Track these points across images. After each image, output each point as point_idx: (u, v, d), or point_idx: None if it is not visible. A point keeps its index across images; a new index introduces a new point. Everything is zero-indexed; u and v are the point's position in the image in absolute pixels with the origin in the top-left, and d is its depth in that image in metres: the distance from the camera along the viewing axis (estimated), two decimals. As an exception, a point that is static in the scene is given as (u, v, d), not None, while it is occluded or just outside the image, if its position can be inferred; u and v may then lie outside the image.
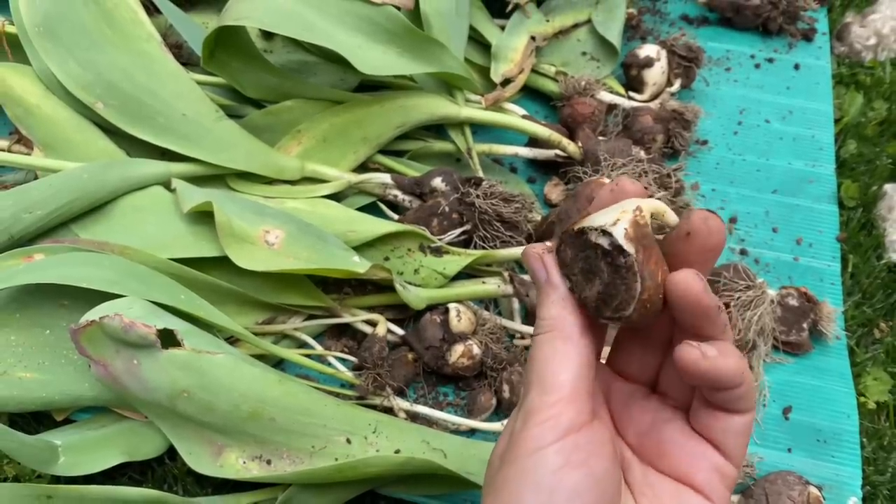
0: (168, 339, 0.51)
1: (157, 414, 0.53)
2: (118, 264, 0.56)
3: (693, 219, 0.29)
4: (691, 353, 0.28)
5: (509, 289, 0.62)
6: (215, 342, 0.55)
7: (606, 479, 0.29)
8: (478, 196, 0.64)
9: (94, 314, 0.50)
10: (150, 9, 0.72)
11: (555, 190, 0.73)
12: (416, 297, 0.60)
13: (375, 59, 0.65)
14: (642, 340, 0.34)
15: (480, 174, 0.71)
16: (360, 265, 0.57)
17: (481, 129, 0.77)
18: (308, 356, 0.60)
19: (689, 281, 0.28)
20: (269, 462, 0.53)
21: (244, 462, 0.53)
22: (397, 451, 0.53)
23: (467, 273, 0.65)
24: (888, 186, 0.74)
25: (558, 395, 0.29)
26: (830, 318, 0.64)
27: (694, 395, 0.32)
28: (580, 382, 0.30)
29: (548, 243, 0.33)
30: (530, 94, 0.80)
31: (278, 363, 0.61)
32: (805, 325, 0.64)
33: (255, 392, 0.52)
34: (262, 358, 0.59)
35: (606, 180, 0.63)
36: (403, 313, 0.63)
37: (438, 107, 0.70)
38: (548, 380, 0.30)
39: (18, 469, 0.58)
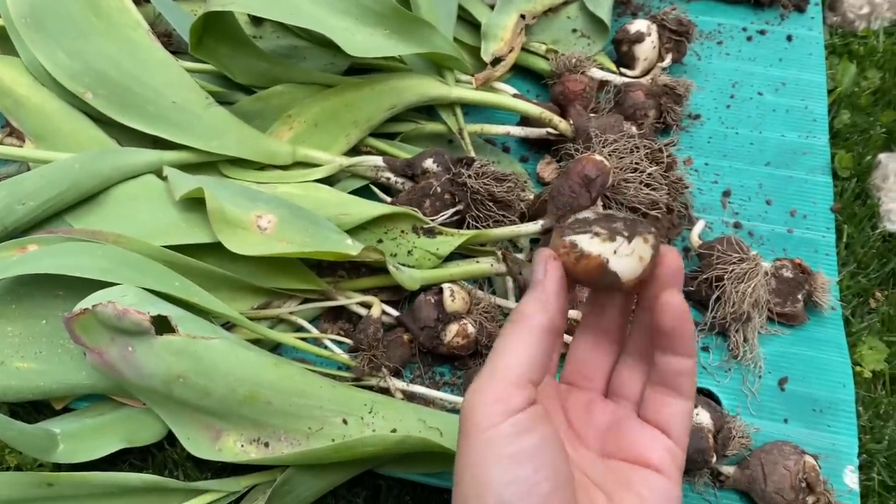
0: (163, 325, 0.51)
1: (154, 400, 0.53)
2: (112, 253, 0.56)
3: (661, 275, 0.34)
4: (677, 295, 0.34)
5: (502, 267, 0.62)
6: (210, 328, 0.55)
7: (555, 440, 0.32)
8: (469, 176, 0.64)
9: (87, 302, 0.50)
10: (138, -3, 0.72)
11: (547, 168, 0.73)
12: (409, 278, 0.60)
13: (364, 41, 0.64)
14: (595, 349, 0.39)
15: (472, 154, 0.71)
16: (352, 247, 0.58)
17: (473, 110, 0.77)
18: (304, 340, 0.60)
19: (681, 310, 0.34)
20: (266, 445, 0.53)
21: (242, 445, 0.53)
22: (394, 431, 0.53)
23: (461, 253, 0.65)
24: (882, 156, 0.74)
25: (508, 380, 0.32)
26: (825, 289, 0.64)
27: (642, 390, 0.38)
28: (529, 371, 0.33)
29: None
30: (521, 72, 0.80)
31: (275, 348, 0.61)
32: (800, 297, 0.64)
33: (250, 375, 0.52)
34: (258, 343, 0.60)
35: (598, 156, 0.63)
36: (398, 295, 0.63)
37: (429, 88, 0.70)
38: (500, 365, 0.33)
39: (20, 458, 0.58)
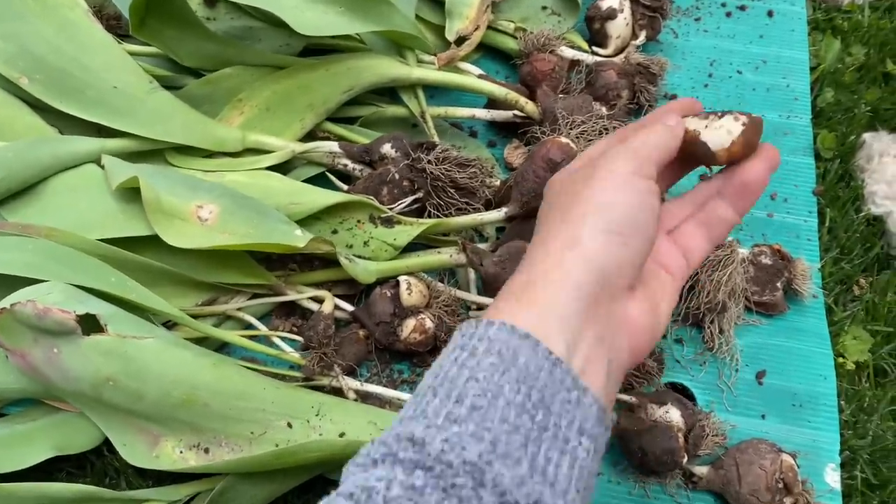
0: (91, 324, 0.48)
1: (86, 404, 0.50)
2: (42, 248, 0.53)
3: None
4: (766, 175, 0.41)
5: (462, 258, 0.58)
6: (147, 327, 0.52)
7: (659, 214, 0.38)
8: (429, 162, 0.60)
9: (6, 301, 0.46)
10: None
11: (515, 153, 0.70)
12: (364, 270, 0.57)
13: (315, 19, 0.61)
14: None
15: (436, 139, 0.67)
16: (300, 239, 0.54)
17: (440, 92, 0.73)
18: (253, 337, 0.57)
19: (763, 177, 0.41)
20: (206, 451, 0.50)
21: (181, 451, 0.50)
22: (342, 434, 0.50)
23: (423, 244, 0.62)
24: (867, 135, 0.70)
25: (643, 155, 0.38)
26: (806, 276, 0.61)
27: (681, 221, 0.43)
28: (660, 156, 0.39)
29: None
30: (489, 52, 0.76)
31: (222, 347, 0.58)
32: (779, 285, 0.61)
33: (186, 377, 0.49)
34: (203, 342, 0.56)
35: (564, 139, 0.59)
36: (353, 289, 0.60)
37: (388, 68, 0.67)
38: (637, 141, 0.39)
39: (-51, 468, 0.55)
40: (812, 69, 0.76)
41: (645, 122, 0.42)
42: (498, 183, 0.64)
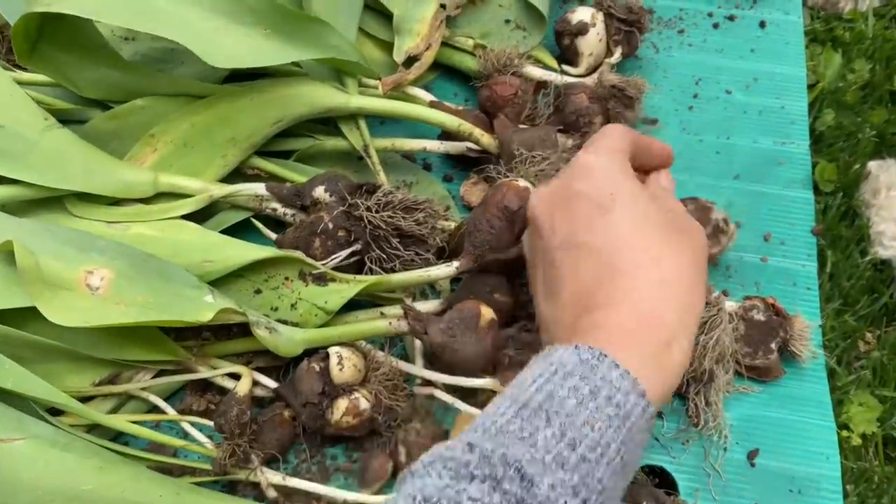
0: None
1: (-56, 521, 0.42)
2: None
3: None
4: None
5: (403, 325, 0.50)
6: (22, 422, 0.43)
7: None
8: (368, 208, 0.52)
9: None
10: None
11: (473, 189, 0.61)
12: (288, 341, 0.49)
13: (231, 46, 0.52)
14: None
15: (382, 176, 0.59)
16: (207, 309, 0.46)
17: (390, 120, 0.65)
18: (161, 421, 0.49)
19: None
20: (92, 573, 0.42)
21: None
22: (252, 554, 0.42)
23: (367, 301, 0.54)
24: (872, 165, 0.62)
25: (616, 141, 0.45)
26: (804, 336, 0.53)
27: None
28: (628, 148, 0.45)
29: None
30: (448, 73, 0.68)
31: (121, 434, 0.49)
32: (773, 346, 0.53)
33: (65, 487, 0.41)
34: (99, 428, 0.48)
35: (522, 183, 0.51)
36: (279, 360, 0.52)
37: (322, 97, 0.58)
38: (615, 135, 0.46)
39: None
40: (810, 87, 0.67)
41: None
42: (453, 226, 0.56)
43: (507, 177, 0.54)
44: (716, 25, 0.71)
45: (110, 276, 0.47)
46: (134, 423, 0.48)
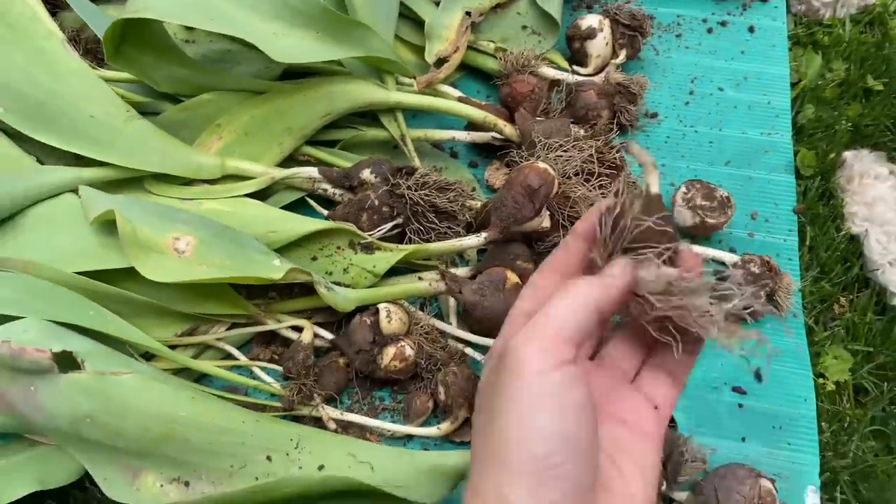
0: (66, 362, 0.48)
1: (64, 440, 0.50)
2: (19, 282, 0.53)
3: None
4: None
5: (442, 286, 0.58)
6: (125, 361, 0.52)
7: (591, 400, 0.33)
8: (409, 187, 0.60)
9: (-20, 341, 0.46)
10: (59, 3, 0.68)
11: (496, 174, 0.70)
12: (343, 298, 0.57)
13: (291, 46, 0.61)
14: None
15: (416, 162, 0.67)
16: (278, 270, 0.54)
17: (421, 113, 0.73)
18: (234, 367, 0.57)
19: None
20: (186, 484, 0.50)
21: (162, 485, 0.50)
22: (321, 467, 0.50)
23: (405, 268, 0.62)
24: (848, 154, 0.70)
25: (560, 332, 0.33)
26: (789, 290, 0.61)
27: (639, 367, 0.39)
28: (581, 330, 0.33)
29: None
30: (471, 73, 0.76)
31: (203, 376, 0.58)
32: (762, 293, 0.61)
33: (165, 412, 0.49)
34: (183, 372, 0.56)
35: (542, 164, 0.59)
36: (334, 316, 0.60)
37: (366, 93, 0.66)
38: (555, 314, 0.33)
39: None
40: (793, 85, 0.76)
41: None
42: (479, 205, 0.65)
43: (528, 160, 0.62)
44: (709, 30, 0.80)
45: (194, 242, 0.55)
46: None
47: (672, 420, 0.58)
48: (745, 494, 0.51)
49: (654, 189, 0.36)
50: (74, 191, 0.61)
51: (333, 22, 0.63)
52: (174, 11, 0.57)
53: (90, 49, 0.71)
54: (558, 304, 0.34)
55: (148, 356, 0.56)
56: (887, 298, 0.65)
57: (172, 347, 0.57)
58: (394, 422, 0.57)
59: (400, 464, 0.51)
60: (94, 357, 0.49)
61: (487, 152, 0.72)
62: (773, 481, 0.52)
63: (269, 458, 0.50)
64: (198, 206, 0.61)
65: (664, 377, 0.38)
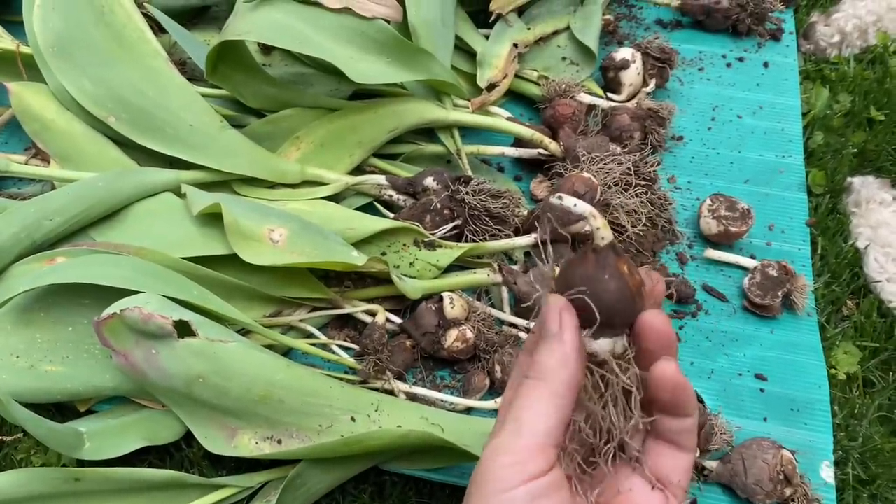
0: (183, 330, 0.55)
1: (174, 400, 0.57)
2: (134, 264, 0.61)
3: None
4: (672, 365, 0.33)
5: (498, 277, 0.66)
6: (228, 333, 0.59)
7: None
8: (467, 193, 0.69)
9: (114, 308, 0.54)
10: (155, 28, 0.77)
11: (540, 186, 0.78)
12: (412, 287, 0.65)
13: (367, 69, 0.69)
14: None
15: (469, 174, 0.76)
16: (358, 258, 0.62)
17: (470, 132, 0.81)
18: (313, 345, 0.64)
19: (677, 381, 0.33)
20: (279, 441, 0.57)
21: (256, 443, 0.57)
22: (399, 427, 0.57)
23: (459, 265, 0.70)
24: (855, 180, 0.78)
25: (532, 442, 0.32)
26: (804, 291, 0.68)
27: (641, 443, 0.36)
28: (554, 434, 0.32)
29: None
30: (515, 97, 0.85)
31: (286, 353, 0.65)
32: (780, 294, 0.68)
33: (264, 376, 0.56)
34: (270, 348, 0.64)
35: (586, 174, 0.68)
36: (401, 304, 0.67)
37: (428, 111, 0.75)
38: (525, 426, 0.32)
39: (45, 458, 0.62)
40: (804, 114, 0.84)
41: (533, 372, 0.33)
42: (525, 212, 0.73)
43: (573, 172, 0.70)
44: (728, 65, 0.89)
45: (286, 233, 0.63)
46: (296, 345, 0.64)
47: (700, 399, 0.65)
48: (768, 462, 0.58)
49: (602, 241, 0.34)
50: (171, 190, 0.69)
51: (402, 49, 0.72)
52: (272, 36, 0.66)
53: (178, 70, 0.80)
54: (526, 408, 0.32)
55: (242, 333, 0.63)
56: (887, 304, 0.72)
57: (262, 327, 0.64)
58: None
59: (464, 427, 0.59)
60: (201, 327, 0.57)
61: (530, 168, 0.80)
62: (793, 452, 0.59)
63: (352, 418, 0.57)
64: (283, 206, 0.69)
65: (667, 447, 0.35)
